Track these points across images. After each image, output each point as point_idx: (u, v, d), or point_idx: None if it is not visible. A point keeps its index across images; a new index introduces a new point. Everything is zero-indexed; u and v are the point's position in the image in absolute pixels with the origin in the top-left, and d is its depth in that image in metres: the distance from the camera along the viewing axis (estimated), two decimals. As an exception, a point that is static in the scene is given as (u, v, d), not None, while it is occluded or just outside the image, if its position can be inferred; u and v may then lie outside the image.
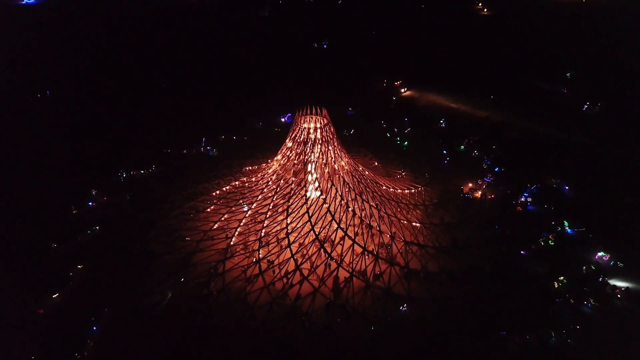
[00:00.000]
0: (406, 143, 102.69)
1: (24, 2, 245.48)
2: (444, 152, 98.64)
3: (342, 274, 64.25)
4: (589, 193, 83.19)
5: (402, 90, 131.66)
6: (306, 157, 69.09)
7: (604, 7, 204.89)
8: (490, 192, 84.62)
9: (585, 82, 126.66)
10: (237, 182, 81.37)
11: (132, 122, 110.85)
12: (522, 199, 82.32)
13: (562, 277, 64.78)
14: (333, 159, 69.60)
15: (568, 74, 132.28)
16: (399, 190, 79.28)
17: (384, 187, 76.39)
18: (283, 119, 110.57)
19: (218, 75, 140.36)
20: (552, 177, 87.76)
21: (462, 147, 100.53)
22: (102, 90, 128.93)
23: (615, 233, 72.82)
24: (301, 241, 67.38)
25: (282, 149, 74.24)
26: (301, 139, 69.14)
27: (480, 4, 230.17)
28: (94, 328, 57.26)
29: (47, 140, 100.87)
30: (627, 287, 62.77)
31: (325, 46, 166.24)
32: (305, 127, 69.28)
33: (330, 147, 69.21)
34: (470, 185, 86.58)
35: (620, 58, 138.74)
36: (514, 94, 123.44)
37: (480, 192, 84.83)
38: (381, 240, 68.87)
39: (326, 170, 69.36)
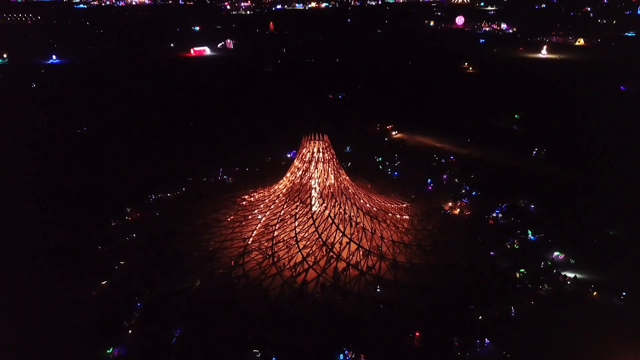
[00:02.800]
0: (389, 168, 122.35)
1: (50, 62, 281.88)
2: (429, 180, 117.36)
3: (341, 265, 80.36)
4: (549, 210, 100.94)
5: (394, 133, 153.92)
6: (311, 174, 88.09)
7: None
8: (467, 210, 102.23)
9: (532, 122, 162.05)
10: (252, 199, 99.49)
11: (159, 156, 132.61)
12: (494, 215, 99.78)
13: (523, 270, 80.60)
14: (333, 174, 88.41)
15: (516, 116, 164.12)
16: (388, 205, 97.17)
17: (376, 201, 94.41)
18: (289, 155, 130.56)
19: (233, 119, 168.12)
20: (520, 199, 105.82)
21: (445, 176, 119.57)
22: (129, 132, 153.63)
23: (570, 238, 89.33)
24: (306, 242, 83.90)
25: (291, 168, 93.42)
26: (307, 158, 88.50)
27: (466, 64, 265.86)
28: (138, 304, 72.48)
29: (90, 171, 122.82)
30: (575, 276, 78.48)
31: (340, 97, 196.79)
32: (310, 149, 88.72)
33: (330, 165, 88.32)
34: (450, 204, 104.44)
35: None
36: (489, 137, 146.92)
37: (458, 210, 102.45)
38: (373, 242, 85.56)
39: (327, 184, 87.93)
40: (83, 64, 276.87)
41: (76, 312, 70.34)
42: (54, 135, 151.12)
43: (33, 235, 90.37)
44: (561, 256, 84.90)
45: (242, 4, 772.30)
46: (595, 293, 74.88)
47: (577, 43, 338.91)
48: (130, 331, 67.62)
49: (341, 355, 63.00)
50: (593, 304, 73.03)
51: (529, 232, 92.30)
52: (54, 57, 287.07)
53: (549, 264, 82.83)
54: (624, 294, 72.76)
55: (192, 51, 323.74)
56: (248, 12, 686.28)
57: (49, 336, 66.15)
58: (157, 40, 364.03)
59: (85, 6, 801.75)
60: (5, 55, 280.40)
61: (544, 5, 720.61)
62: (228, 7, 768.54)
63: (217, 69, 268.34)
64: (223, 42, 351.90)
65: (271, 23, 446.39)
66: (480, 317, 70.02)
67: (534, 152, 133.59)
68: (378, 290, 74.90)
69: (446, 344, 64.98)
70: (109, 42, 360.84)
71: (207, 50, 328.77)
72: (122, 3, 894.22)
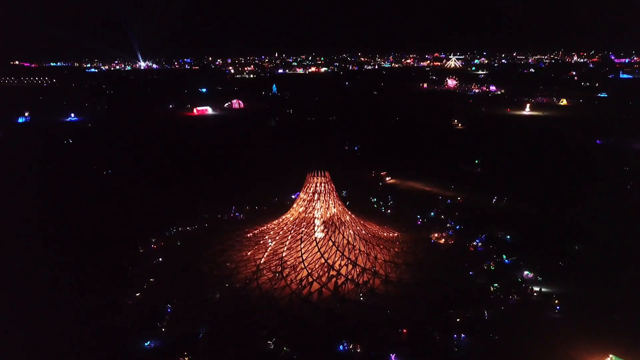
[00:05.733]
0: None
1: (69, 120, 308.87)
2: (418, 216, 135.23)
3: (340, 280, 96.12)
4: (523, 240, 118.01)
5: (387, 178, 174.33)
6: (314, 204, 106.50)
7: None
8: (451, 240, 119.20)
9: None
10: (263, 229, 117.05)
11: (178, 196, 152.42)
12: (475, 243, 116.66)
13: (496, 284, 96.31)
14: (333, 204, 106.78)
15: (477, 161, 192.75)
16: (381, 233, 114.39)
17: (370, 228, 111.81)
18: (293, 196, 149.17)
19: (245, 165, 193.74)
20: (498, 231, 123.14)
21: (432, 214, 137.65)
22: (150, 176, 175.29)
23: (539, 261, 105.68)
24: (310, 262, 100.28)
25: (297, 201, 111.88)
26: (311, 190, 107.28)
27: (455, 121, 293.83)
28: (168, 310, 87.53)
29: (121, 207, 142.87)
30: (540, 289, 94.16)
31: (355, 148, 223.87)
32: (313, 183, 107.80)
33: (330, 197, 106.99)
34: (436, 235, 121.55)
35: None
36: (469, 181, 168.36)
37: (443, 240, 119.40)
38: (368, 263, 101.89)
39: (328, 213, 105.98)
40: (98, 121, 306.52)
41: (118, 315, 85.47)
42: (84, 178, 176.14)
43: (73, 260, 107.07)
44: (530, 275, 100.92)
45: (246, 68, 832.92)
46: (557, 301, 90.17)
47: (560, 103, 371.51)
48: (163, 330, 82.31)
49: (340, 346, 77.44)
50: (553, 309, 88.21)
51: (504, 256, 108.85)
52: (72, 115, 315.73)
53: (519, 280, 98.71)
54: (557, 307, 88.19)
55: (195, 110, 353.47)
56: (252, 76, 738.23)
57: (95, 333, 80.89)
58: (162, 101, 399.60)
59: (96, 70, 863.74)
60: (27, 114, 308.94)
61: (532, 70, 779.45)
62: (232, 71, 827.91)
63: (223, 125, 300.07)
64: (229, 102, 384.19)
65: (274, 85, 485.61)
66: (458, 319, 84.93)
67: (494, 200, 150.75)
68: (361, 297, 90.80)
69: (429, 338, 79.60)
70: (120, 102, 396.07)
71: (209, 110, 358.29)
72: (129, 68, 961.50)
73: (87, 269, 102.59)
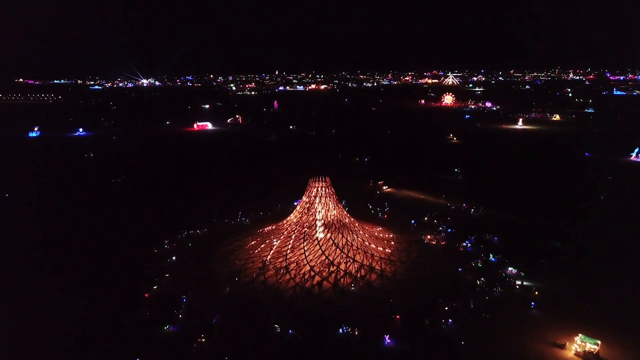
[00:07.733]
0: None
1: (77, 134, 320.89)
2: (412, 221, 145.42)
3: (340, 274, 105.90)
4: (508, 241, 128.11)
5: (384, 187, 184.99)
6: (316, 206, 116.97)
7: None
8: (443, 241, 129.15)
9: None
10: (268, 229, 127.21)
11: (188, 203, 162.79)
12: (464, 244, 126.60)
13: (482, 279, 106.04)
14: (333, 207, 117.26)
15: (456, 170, 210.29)
16: (378, 234, 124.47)
17: (367, 229, 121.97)
18: (295, 203, 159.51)
19: (250, 175, 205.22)
20: (486, 233, 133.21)
21: (426, 219, 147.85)
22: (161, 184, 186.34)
23: (522, 258, 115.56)
24: (312, 258, 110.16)
25: (301, 203, 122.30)
26: (313, 193, 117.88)
27: (451, 135, 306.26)
28: (184, 300, 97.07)
29: (136, 213, 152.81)
30: (522, 282, 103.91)
31: (366, 159, 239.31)
32: (315, 187, 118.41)
33: (330, 199, 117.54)
34: (429, 237, 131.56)
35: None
36: (464, 193, 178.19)
37: (435, 241, 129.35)
38: (365, 259, 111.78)
39: (328, 214, 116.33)
40: (106, 135, 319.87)
41: (138, 305, 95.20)
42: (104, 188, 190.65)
43: (98, 260, 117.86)
44: (514, 271, 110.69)
45: (247, 86, 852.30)
46: (536, 293, 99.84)
47: (553, 118, 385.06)
48: (180, 316, 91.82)
49: (340, 330, 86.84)
50: (532, 300, 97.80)
51: (491, 255, 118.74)
52: (80, 130, 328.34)
53: (504, 274, 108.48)
54: (536, 297, 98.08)
55: (195, 125, 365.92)
56: (253, 93, 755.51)
57: (120, 320, 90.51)
58: (162, 117, 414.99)
59: (100, 87, 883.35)
60: (37, 128, 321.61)
61: (527, 87, 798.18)
62: (234, 88, 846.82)
63: (226, 139, 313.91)
64: (232, 118, 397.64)
65: (275, 102, 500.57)
66: (446, 308, 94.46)
67: (472, 210, 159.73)
68: (353, 287, 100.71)
69: (419, 323, 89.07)
70: (126, 117, 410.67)
71: (209, 125, 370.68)
72: (131, 85, 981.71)
73: (108, 267, 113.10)
